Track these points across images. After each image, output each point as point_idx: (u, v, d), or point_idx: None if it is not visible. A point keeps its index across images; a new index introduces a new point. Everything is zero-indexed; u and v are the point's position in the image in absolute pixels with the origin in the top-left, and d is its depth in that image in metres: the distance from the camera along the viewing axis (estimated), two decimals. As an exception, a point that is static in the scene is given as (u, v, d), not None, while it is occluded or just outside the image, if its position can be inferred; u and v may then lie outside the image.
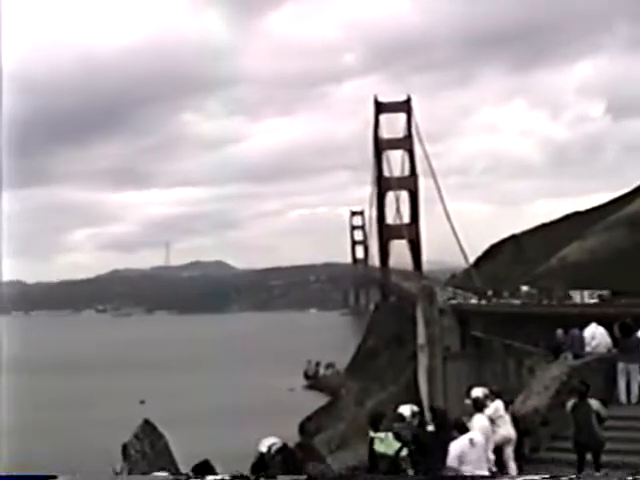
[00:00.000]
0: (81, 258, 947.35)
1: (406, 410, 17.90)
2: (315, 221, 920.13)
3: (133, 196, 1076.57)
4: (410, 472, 17.11)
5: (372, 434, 17.47)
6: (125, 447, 26.34)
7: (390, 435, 17.41)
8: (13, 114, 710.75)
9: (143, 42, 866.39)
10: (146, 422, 27.57)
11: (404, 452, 17.16)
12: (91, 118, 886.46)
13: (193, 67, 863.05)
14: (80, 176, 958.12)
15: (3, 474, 15.03)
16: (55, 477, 13.58)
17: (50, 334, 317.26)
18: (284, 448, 14.76)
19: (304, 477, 14.15)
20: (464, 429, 16.66)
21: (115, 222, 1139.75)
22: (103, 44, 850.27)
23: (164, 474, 14.17)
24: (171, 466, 25.77)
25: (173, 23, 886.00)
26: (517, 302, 78.00)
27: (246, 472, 15.51)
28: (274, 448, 14.63)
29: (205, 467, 14.57)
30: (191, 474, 14.45)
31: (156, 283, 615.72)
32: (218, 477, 13.76)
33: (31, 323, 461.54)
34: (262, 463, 14.74)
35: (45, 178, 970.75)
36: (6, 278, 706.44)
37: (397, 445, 17.17)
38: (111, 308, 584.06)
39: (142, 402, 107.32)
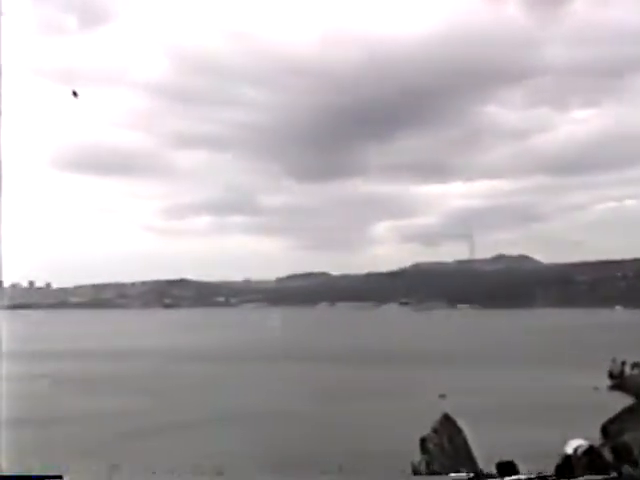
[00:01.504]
0: (385, 250, 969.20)
1: None
2: (623, 214, 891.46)
3: (437, 189, 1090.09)
4: None
5: None
6: (424, 441, 26.33)
7: None
8: (318, 111, 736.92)
9: (445, 33, 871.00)
10: (445, 416, 27.42)
11: None
12: (394, 112, 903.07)
13: (496, 57, 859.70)
14: (384, 169, 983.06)
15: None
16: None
17: (352, 326, 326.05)
18: (591, 450, 14.21)
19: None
20: None
21: (419, 215, 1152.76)
22: (404, 37, 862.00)
23: (462, 475, 13.97)
24: (469, 462, 25.43)
25: (475, 13, 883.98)
26: None
27: (549, 472, 15.00)
28: (580, 450, 14.12)
29: (509, 467, 14.24)
30: (494, 472, 14.18)
31: (459, 276, 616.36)
32: (522, 477, 13.41)
33: (336, 314, 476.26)
34: (567, 464, 14.24)
35: (350, 171, 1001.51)
36: (316, 269, 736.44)
37: None
38: (414, 301, 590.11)
39: (442, 396, 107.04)
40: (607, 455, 15.35)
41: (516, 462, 14.88)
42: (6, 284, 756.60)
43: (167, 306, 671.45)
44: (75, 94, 44.17)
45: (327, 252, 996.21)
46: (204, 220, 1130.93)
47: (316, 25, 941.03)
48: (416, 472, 25.37)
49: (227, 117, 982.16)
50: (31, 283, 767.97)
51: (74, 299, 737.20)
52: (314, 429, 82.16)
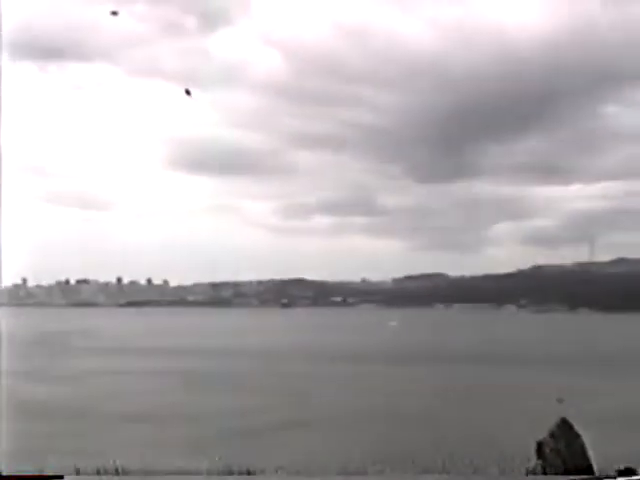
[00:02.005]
0: (502, 252, 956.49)
1: None
2: None
3: (555, 190, 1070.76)
4: None
5: None
6: (540, 445, 26.22)
7: None
8: (437, 111, 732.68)
9: (563, 32, 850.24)
10: (563, 420, 27.27)
11: None
12: (513, 111, 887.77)
13: (614, 56, 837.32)
14: (503, 170, 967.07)
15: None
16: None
17: (471, 328, 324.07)
18: None
19: None
20: None
21: (537, 216, 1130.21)
22: (524, 36, 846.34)
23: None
24: (587, 468, 25.30)
25: (596, 12, 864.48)
26: None
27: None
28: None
29: (629, 473, 14.27)
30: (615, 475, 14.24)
31: (579, 279, 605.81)
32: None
33: (454, 316, 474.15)
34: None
35: (470, 172, 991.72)
36: (432, 270, 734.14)
37: None
38: (532, 303, 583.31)
39: (560, 400, 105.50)
40: None
41: (636, 468, 14.86)
42: (125, 281, 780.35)
43: (284, 305, 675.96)
44: (188, 92, 45.06)
45: (444, 253, 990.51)
46: (321, 220, 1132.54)
47: (434, 23, 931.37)
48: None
49: (345, 117, 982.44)
50: (149, 281, 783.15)
51: (192, 297, 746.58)
52: (429, 430, 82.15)
